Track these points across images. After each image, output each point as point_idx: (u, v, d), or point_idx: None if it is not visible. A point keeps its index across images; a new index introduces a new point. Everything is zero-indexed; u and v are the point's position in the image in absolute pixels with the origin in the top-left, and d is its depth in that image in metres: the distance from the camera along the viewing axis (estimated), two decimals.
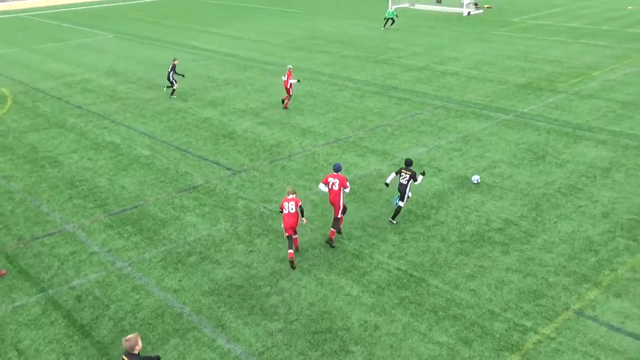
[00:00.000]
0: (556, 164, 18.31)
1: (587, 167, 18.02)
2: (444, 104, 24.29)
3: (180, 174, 18.43)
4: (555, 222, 14.96)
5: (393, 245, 14.16)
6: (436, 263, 13.46)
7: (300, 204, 13.36)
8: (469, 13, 47.84)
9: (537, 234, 14.49)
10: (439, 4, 53.07)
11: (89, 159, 19.85)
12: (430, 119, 22.55)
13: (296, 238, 13.86)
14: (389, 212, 15.63)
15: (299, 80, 25.65)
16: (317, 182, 17.42)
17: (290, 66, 23.96)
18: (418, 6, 53.14)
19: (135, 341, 8.92)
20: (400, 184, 14.87)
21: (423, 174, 15.01)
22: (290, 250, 13.42)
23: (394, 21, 43.10)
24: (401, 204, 14.87)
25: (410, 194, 15.06)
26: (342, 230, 14.70)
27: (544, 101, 24.43)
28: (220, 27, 44.50)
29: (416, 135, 20.89)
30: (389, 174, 16.06)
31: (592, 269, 13.07)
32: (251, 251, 14.16)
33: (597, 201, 15.94)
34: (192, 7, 56.82)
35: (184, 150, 20.20)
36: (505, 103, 24.28)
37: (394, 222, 15.12)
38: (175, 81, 26.14)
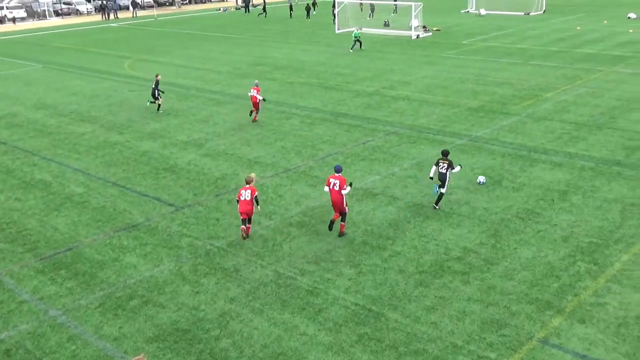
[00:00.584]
0: (513, 188, 18.70)
1: (545, 190, 18.46)
2: (396, 130, 24.61)
3: (118, 212, 18.03)
4: (515, 248, 15.21)
5: (349, 279, 14.12)
6: (395, 296, 13.46)
7: (256, 194, 15.67)
8: (417, 36, 48.98)
9: (498, 261, 14.69)
10: (386, 27, 54.17)
11: (16, 199, 19.24)
12: (383, 146, 22.78)
13: (249, 227, 15.90)
14: (343, 245, 15.62)
15: (264, 99, 26.90)
16: (267, 215, 17.30)
17: (257, 81, 26.30)
18: (366, 30, 54.08)
19: None
20: (440, 173, 17.14)
21: (460, 166, 17.76)
22: (243, 226, 15.74)
23: (361, 43, 44.02)
24: (443, 190, 17.21)
25: (450, 181, 17.94)
26: (343, 233, 16.12)
27: (498, 124, 25.04)
28: (161, 55, 44.27)
29: (369, 163, 21.05)
30: (431, 168, 18.20)
31: (554, 295, 13.30)
32: (198, 292, 13.88)
33: (556, 225, 16.30)
34: (131, 35, 56.45)
35: (122, 187, 19.82)
36: (459, 127, 24.77)
37: (437, 207, 17.35)
38: (160, 96, 28.16)
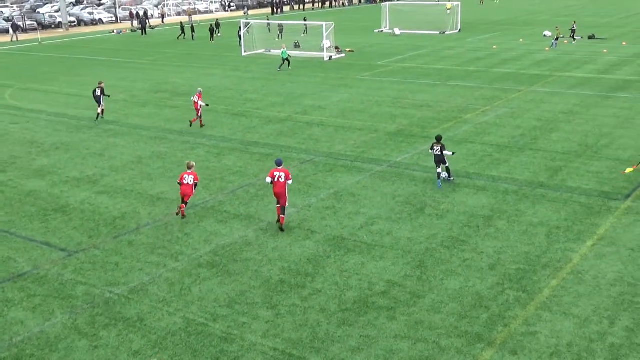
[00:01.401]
0: (437, 215, 19.14)
1: (469, 216, 19.00)
2: (311, 158, 24.80)
3: (1, 260, 17.20)
4: (442, 279, 15.52)
5: (267, 322, 13.97)
6: (317, 338, 13.41)
7: (197, 181, 19.14)
8: (330, 58, 49.84)
9: (424, 293, 14.93)
10: (297, 48, 54.88)
11: None
12: (297, 176, 22.88)
13: (184, 206, 19.20)
14: (259, 285, 15.48)
15: (207, 104, 30.19)
16: (172, 257, 16.96)
17: (200, 89, 30.32)
18: (274, 52, 54.56)
19: None
20: (436, 155, 21.28)
21: (453, 152, 21.87)
22: (183, 205, 19.15)
23: (289, 62, 44.80)
24: (446, 166, 21.48)
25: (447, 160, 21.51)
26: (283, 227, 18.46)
27: (418, 149, 25.67)
28: (48, 83, 43.02)
29: None
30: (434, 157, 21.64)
31: (484, 327, 13.61)
32: (96, 347, 13.36)
33: (482, 252, 16.77)
34: (12, 61, 54.61)
35: (5, 232, 18.96)
36: (378, 153, 25.24)
37: (452, 179, 21.69)
38: (103, 102, 31.72)
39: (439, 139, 21.44)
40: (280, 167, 18.17)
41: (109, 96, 33.51)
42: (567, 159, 23.85)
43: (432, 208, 19.67)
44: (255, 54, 54.33)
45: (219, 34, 67.96)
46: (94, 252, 17.46)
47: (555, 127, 28.25)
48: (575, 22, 57.95)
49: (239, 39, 58.59)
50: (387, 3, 76.32)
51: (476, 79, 39.57)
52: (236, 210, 19.97)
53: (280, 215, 18.41)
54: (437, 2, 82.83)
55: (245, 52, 54.27)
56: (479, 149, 25.30)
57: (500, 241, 17.37)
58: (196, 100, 29.36)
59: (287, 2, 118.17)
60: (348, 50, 53.86)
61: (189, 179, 18.98)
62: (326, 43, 51.07)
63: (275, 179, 18.02)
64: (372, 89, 37.39)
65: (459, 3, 70.70)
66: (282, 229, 18.37)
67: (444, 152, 21.21)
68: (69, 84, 42.33)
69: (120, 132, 29.62)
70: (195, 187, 19.13)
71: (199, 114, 29.63)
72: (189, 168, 19.27)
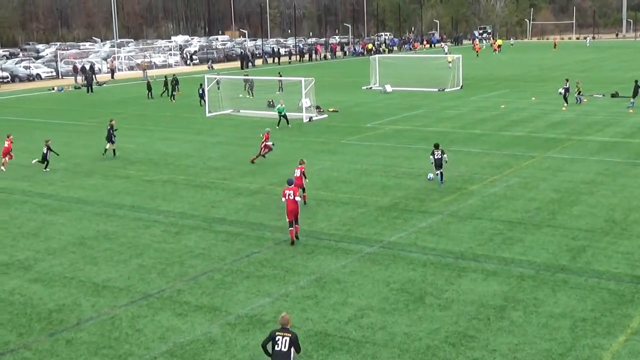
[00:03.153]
0: (439, 306, 19.00)
1: (478, 306, 18.88)
2: (288, 238, 24.71)
3: None
4: None
5: None
6: None
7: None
8: (310, 119, 50.45)
9: None
10: (271, 108, 55.49)
11: None
12: (272, 259, 22.74)
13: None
14: None
15: (273, 144, 34.45)
16: (120, 359, 16.62)
17: (268, 129, 36.47)
18: (244, 112, 55.16)
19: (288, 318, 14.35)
20: (437, 159, 30.35)
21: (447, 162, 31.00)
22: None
23: (287, 119, 46.92)
24: (441, 170, 30.59)
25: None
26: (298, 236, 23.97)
27: (415, 226, 25.70)
28: None
29: (255, 282, 20.88)
30: (430, 161, 30.75)
31: None
32: None
33: (494, 350, 16.61)
34: None
35: None
36: (367, 231, 25.22)
37: (443, 183, 30.53)
38: (114, 140, 39.41)
39: (437, 146, 30.61)
40: (291, 186, 23.93)
41: (114, 135, 39.94)
42: (592, 238, 23.97)
43: (434, 297, 19.54)
44: (222, 114, 54.84)
45: (179, 92, 68.66)
46: (24, 354, 17.09)
47: (577, 199, 28.51)
48: (578, 81, 58.58)
49: (199, 98, 59.30)
50: (377, 56, 77.86)
51: (482, 144, 40.05)
52: (198, 300, 19.72)
53: (295, 226, 23.99)
54: (436, 55, 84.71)
55: (210, 112, 54.78)
56: (488, 226, 25.38)
57: (516, 336, 17.23)
58: (264, 141, 35.70)
59: (259, 54, 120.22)
60: (331, 110, 54.59)
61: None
62: (305, 102, 51.74)
63: (286, 197, 23.67)
64: (360, 155, 37.68)
65: (460, 56, 72.32)
66: (297, 237, 24.09)
67: (444, 157, 30.26)
68: None
69: (59, 208, 29.44)
70: (305, 177, 27.35)
71: (262, 154, 35.89)
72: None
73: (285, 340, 13.95)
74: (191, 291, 20.45)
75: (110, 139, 39.49)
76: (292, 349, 13.98)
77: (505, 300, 19.20)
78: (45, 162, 36.56)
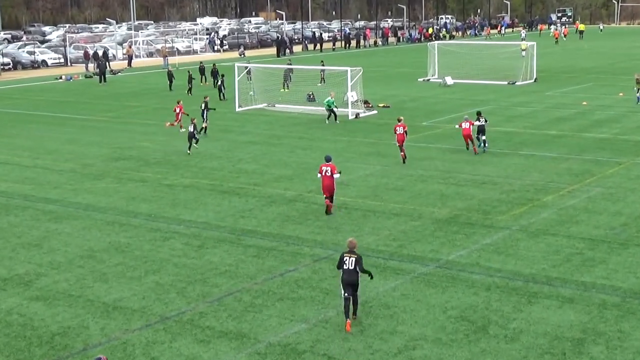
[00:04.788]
0: (505, 337, 18.86)
1: (551, 339, 18.69)
2: (329, 254, 24.72)
3: None
4: None
5: None
6: None
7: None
8: (357, 115, 50.38)
9: None
10: (311, 102, 55.61)
11: None
12: (310, 279, 22.75)
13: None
14: None
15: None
16: None
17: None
18: (280, 107, 55.28)
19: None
20: (480, 126, 38.50)
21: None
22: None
23: (335, 115, 47.70)
24: (484, 138, 38.47)
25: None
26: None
27: (478, 243, 25.54)
28: None
29: (289, 306, 20.91)
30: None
31: None
32: None
33: None
34: None
35: None
36: (422, 248, 25.13)
37: (486, 149, 38.64)
38: (207, 118, 45.42)
39: (480, 113, 39.09)
40: (328, 163, 28.29)
41: (214, 109, 46.94)
42: None
43: (499, 327, 19.40)
44: (254, 109, 55.04)
45: (205, 83, 69.08)
46: None
47: None
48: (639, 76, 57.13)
49: (219, 91, 59.60)
50: (436, 43, 77.57)
51: (559, 147, 39.69)
52: (223, 325, 19.80)
53: (328, 203, 28.47)
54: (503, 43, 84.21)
55: (240, 106, 55.03)
56: (564, 244, 25.14)
57: None
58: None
59: (299, 40, 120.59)
60: (381, 105, 54.51)
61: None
62: (351, 96, 51.67)
63: (323, 174, 28.03)
64: (414, 159, 37.57)
65: (534, 44, 71.79)
66: (327, 213, 28.51)
67: (486, 124, 37.38)
68: None
69: (65, 215, 29.78)
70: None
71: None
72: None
73: (352, 260, 19.44)
74: (215, 314, 20.53)
75: (203, 116, 44.97)
76: (357, 268, 19.40)
77: (584, 333, 18.99)
78: (195, 141, 40.31)
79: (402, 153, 37.12)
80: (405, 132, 37.22)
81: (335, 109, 47.88)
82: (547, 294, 21.30)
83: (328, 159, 28.73)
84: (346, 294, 19.39)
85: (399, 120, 37.52)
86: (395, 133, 37.38)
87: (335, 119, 47.84)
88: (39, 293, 22.32)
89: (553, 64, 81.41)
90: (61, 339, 19.40)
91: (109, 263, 24.57)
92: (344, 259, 19.46)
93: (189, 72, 66.45)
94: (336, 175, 28.14)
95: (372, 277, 20.14)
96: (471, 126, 38.14)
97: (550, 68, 76.76)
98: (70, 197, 32.29)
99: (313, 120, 49.26)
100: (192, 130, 40.00)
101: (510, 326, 19.44)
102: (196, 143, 40.47)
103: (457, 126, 39.87)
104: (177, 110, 46.30)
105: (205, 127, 44.74)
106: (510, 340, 18.70)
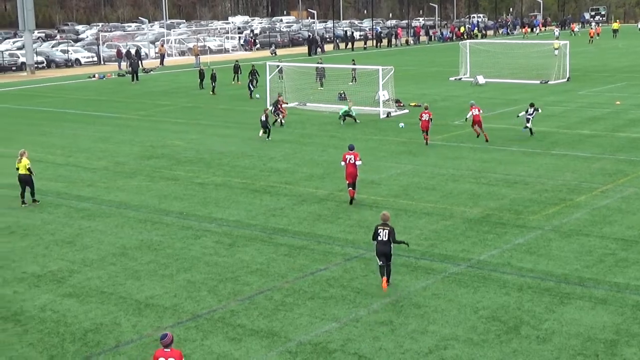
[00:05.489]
0: (537, 338, 18.77)
1: (584, 340, 18.58)
2: (360, 254, 24.72)
3: None
4: None
5: None
6: None
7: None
8: (388, 114, 50.32)
9: None
10: (342, 101, 55.57)
11: None
12: (341, 278, 22.76)
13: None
14: None
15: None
16: None
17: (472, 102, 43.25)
18: (311, 106, 55.34)
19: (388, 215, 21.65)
20: (529, 114, 41.79)
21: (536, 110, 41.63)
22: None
23: (353, 117, 47.67)
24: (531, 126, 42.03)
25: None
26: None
27: (510, 242, 25.43)
28: (3, 144, 44.05)
29: (321, 304, 20.93)
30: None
31: None
32: None
33: None
34: None
35: None
36: (453, 247, 25.06)
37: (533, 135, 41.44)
38: (279, 113, 47.70)
39: (532, 104, 42.00)
40: (352, 151, 29.56)
41: (286, 103, 51.20)
42: None
43: (531, 327, 19.32)
44: (285, 108, 55.06)
45: (238, 82, 69.28)
46: None
47: None
48: None
49: (249, 90, 59.88)
50: (468, 42, 77.32)
51: (593, 147, 39.42)
52: (254, 324, 19.85)
53: (351, 190, 29.73)
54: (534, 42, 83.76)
55: (271, 105, 55.05)
56: (597, 245, 24.98)
57: None
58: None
59: (330, 39, 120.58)
60: (413, 104, 54.38)
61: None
62: (383, 95, 51.65)
63: (347, 161, 29.36)
64: (446, 158, 37.47)
65: (567, 42, 71.36)
66: (351, 202, 29.80)
67: (536, 112, 41.67)
68: (31, 145, 43.24)
69: (98, 213, 29.98)
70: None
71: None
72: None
73: (386, 232, 21.38)
74: (246, 312, 20.59)
75: (276, 112, 47.19)
76: (390, 239, 21.38)
77: (617, 334, 18.86)
78: (267, 130, 42.90)
79: (426, 137, 40.32)
80: (430, 119, 40.11)
81: (353, 115, 47.71)
82: (580, 295, 21.17)
83: (351, 147, 29.99)
84: (380, 263, 21.62)
85: (426, 108, 40.55)
86: (421, 119, 40.31)
87: (356, 121, 47.82)
88: (72, 290, 22.51)
89: (586, 63, 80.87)
90: (93, 335, 19.54)
91: (141, 261, 24.72)
92: (378, 231, 21.43)
93: (212, 70, 66.74)
94: (358, 162, 29.48)
95: (408, 245, 22.72)
96: (480, 112, 40.96)
97: (583, 67, 76.25)
98: (103, 195, 32.52)
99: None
100: (264, 119, 42.56)
101: (543, 327, 19.35)
102: (268, 136, 42.85)
103: (467, 117, 41.54)
104: (279, 105, 48.02)
105: (278, 120, 47.12)
106: (542, 341, 18.61)
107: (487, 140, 40.66)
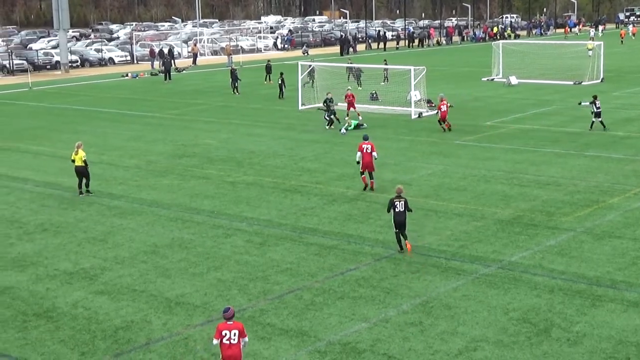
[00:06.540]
0: (568, 340, 18.66)
1: (615, 343, 18.44)
2: (390, 254, 24.68)
3: None
4: None
5: None
6: None
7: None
8: (419, 115, 50.18)
9: None
10: (374, 101, 55.51)
11: None
12: (371, 278, 22.74)
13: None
14: None
15: (451, 106, 44.16)
16: None
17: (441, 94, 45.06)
18: (342, 105, 55.17)
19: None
20: (597, 109, 42.83)
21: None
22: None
23: (361, 125, 46.73)
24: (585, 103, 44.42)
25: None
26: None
27: (542, 244, 25.29)
28: (36, 142, 44.46)
29: (350, 304, 20.92)
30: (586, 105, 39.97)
31: None
32: None
33: None
34: None
35: None
36: (484, 249, 24.96)
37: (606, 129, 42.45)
38: (331, 114, 47.08)
39: (596, 97, 42.94)
40: (367, 141, 31.11)
41: (336, 104, 48.51)
42: None
43: (562, 330, 19.20)
44: (317, 107, 55.08)
45: (269, 81, 69.42)
46: None
47: None
48: None
49: (279, 90, 59.89)
50: (500, 42, 76.97)
51: (626, 148, 39.09)
52: (283, 323, 19.88)
53: (371, 181, 31.62)
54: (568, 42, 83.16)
55: (303, 104, 55.16)
56: (630, 247, 24.78)
57: None
58: (443, 109, 42.88)
59: (362, 39, 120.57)
60: (433, 104, 54.15)
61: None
62: (415, 95, 51.49)
63: (364, 151, 30.78)
64: (477, 159, 37.31)
65: (602, 43, 70.80)
66: (372, 189, 31.57)
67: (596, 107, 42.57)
68: (66, 143, 43.59)
69: (130, 211, 30.16)
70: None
71: (444, 119, 43.32)
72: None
73: (402, 203, 24.14)
74: (276, 312, 20.63)
75: (331, 111, 46.78)
76: (406, 209, 24.23)
77: None
78: (334, 119, 45.74)
79: (447, 125, 43.53)
80: (449, 106, 43.75)
81: (358, 122, 46.63)
82: (612, 298, 21.02)
83: (366, 137, 31.74)
84: (397, 230, 24.43)
85: (441, 100, 43.34)
86: (440, 110, 43.43)
87: (363, 125, 46.58)
88: (103, 287, 22.66)
89: (621, 64, 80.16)
90: (124, 333, 19.66)
91: (172, 259, 24.83)
92: (395, 203, 24.16)
93: (233, 69, 66.90)
94: (374, 154, 30.92)
95: (411, 211, 24.89)
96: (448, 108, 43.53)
97: (617, 68, 75.60)
98: (134, 193, 32.70)
99: (376, 119, 49.18)
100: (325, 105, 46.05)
101: (574, 329, 19.22)
102: (328, 126, 45.90)
103: (438, 110, 44.21)
104: (350, 99, 48.21)
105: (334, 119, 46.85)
106: (573, 344, 18.49)
107: (450, 129, 43.84)
